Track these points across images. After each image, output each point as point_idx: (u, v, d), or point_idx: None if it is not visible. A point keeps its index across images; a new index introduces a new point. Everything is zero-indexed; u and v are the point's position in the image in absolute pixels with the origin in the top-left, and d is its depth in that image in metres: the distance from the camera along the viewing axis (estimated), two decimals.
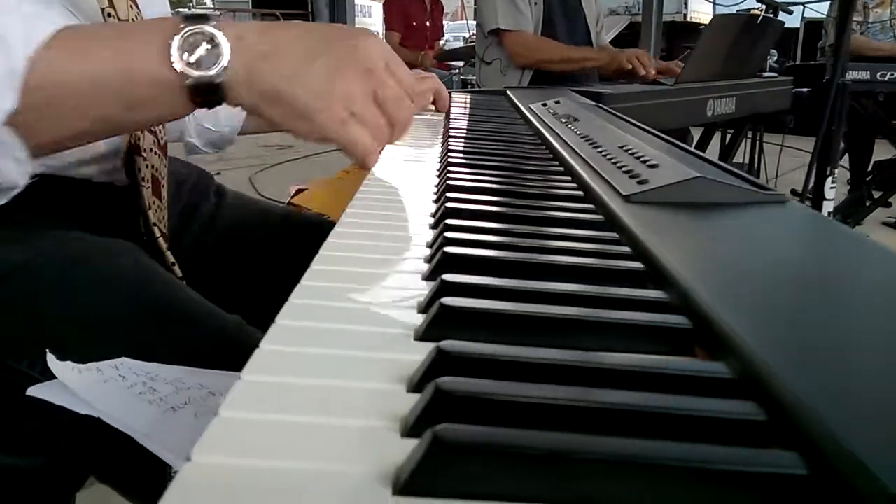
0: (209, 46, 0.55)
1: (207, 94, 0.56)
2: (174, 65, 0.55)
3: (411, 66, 3.96)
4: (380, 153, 0.63)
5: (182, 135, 1.02)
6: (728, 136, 2.88)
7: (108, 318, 0.62)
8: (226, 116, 1.02)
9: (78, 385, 0.47)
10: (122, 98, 0.56)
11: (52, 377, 0.49)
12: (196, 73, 0.55)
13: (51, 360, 0.50)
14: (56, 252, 0.66)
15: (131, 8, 0.76)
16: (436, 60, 4.97)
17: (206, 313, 0.66)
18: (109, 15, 0.72)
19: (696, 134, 2.82)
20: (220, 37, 0.56)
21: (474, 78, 2.95)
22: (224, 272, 0.88)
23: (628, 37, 6.66)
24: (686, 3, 7.88)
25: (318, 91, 0.57)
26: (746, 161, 2.79)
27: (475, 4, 2.81)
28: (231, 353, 0.61)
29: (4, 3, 0.53)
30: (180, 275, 0.78)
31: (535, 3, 2.54)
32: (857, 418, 0.23)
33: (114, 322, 0.62)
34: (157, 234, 0.77)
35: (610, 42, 2.94)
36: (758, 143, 2.73)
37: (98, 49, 0.56)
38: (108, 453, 0.58)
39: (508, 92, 1.43)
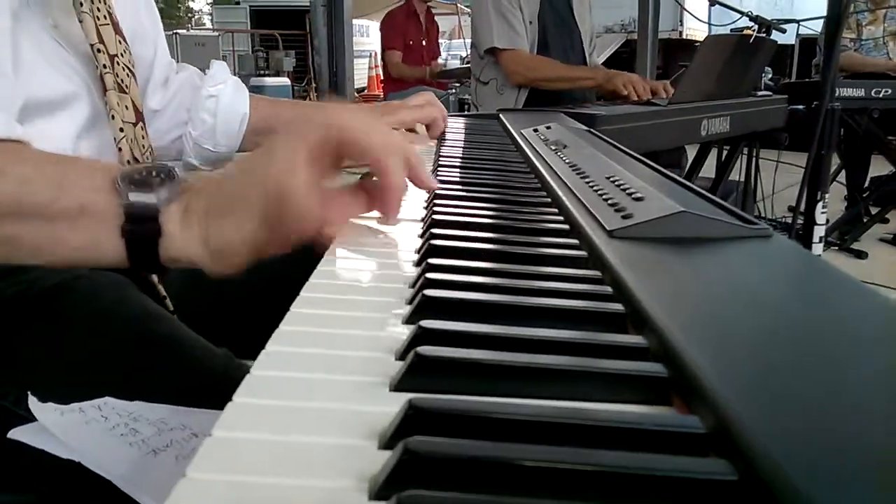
0: (157, 178, 0.52)
1: (143, 222, 0.51)
2: (115, 186, 0.51)
3: (413, 82, 3.96)
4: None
5: (180, 155, 1.03)
6: (724, 153, 2.88)
7: (94, 353, 0.62)
8: (223, 135, 1.02)
9: (59, 427, 0.47)
10: (43, 214, 0.51)
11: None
12: (135, 196, 0.51)
13: (32, 402, 0.49)
14: (43, 286, 0.66)
15: (119, 42, 0.76)
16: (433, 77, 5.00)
17: (195, 348, 0.65)
18: (99, 51, 0.72)
19: (692, 151, 2.82)
20: (174, 174, 0.53)
21: (470, 97, 2.96)
22: (213, 300, 0.88)
23: (624, 54, 6.69)
24: (682, 21, 7.92)
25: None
26: (742, 179, 2.79)
27: (471, 24, 2.82)
28: (220, 389, 0.60)
29: None
30: (171, 308, 0.78)
31: (531, 23, 2.56)
32: (832, 482, 0.23)
33: (100, 357, 0.62)
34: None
35: (606, 59, 2.95)
36: (753, 160, 2.73)
37: (35, 161, 0.53)
38: (94, 493, 0.57)
39: (502, 116, 1.44)
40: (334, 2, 3.74)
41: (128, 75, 0.78)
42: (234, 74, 1.06)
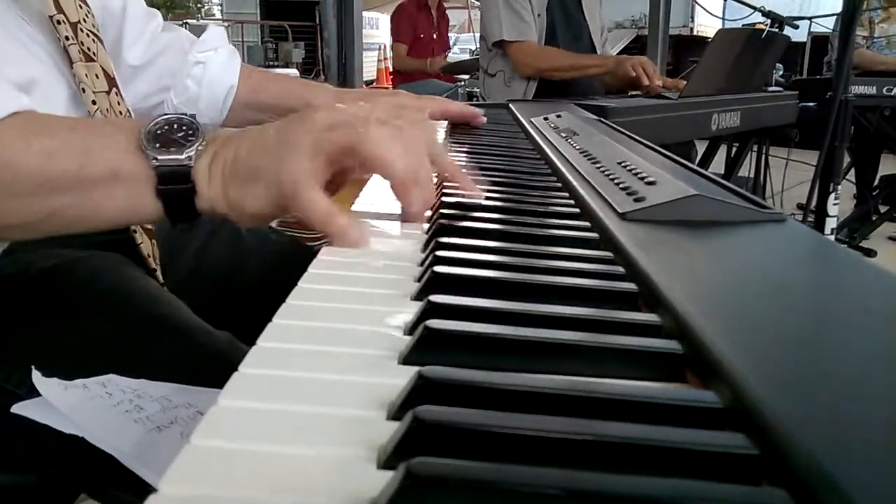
0: (181, 133, 0.51)
1: (176, 181, 0.51)
2: (141, 147, 0.51)
3: (420, 74, 3.94)
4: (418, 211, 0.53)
5: None
6: (733, 150, 2.86)
7: (93, 334, 0.61)
8: (207, 106, 0.97)
9: (63, 403, 0.46)
10: (75, 185, 0.51)
11: (38, 395, 0.48)
12: (164, 157, 0.50)
13: (36, 376, 0.49)
14: (42, 267, 0.65)
15: (80, 7, 0.72)
16: (442, 71, 4.98)
17: (194, 329, 0.65)
18: (59, 22, 0.68)
19: (702, 147, 2.81)
20: (196, 126, 0.52)
21: (479, 90, 2.95)
22: (216, 286, 0.87)
23: (634, 50, 6.67)
24: (692, 17, 7.89)
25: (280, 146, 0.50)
26: (752, 175, 2.77)
27: (480, 16, 2.81)
28: (221, 371, 0.60)
29: None
30: (161, 281, 0.77)
31: (539, 15, 2.54)
32: (850, 455, 0.22)
33: (99, 337, 0.61)
34: (139, 240, 0.76)
35: (617, 55, 2.93)
36: (763, 157, 2.71)
37: (56, 132, 0.52)
38: (97, 471, 0.57)
39: (511, 105, 1.43)
40: None
41: (93, 41, 0.74)
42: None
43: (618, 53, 3.10)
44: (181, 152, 0.50)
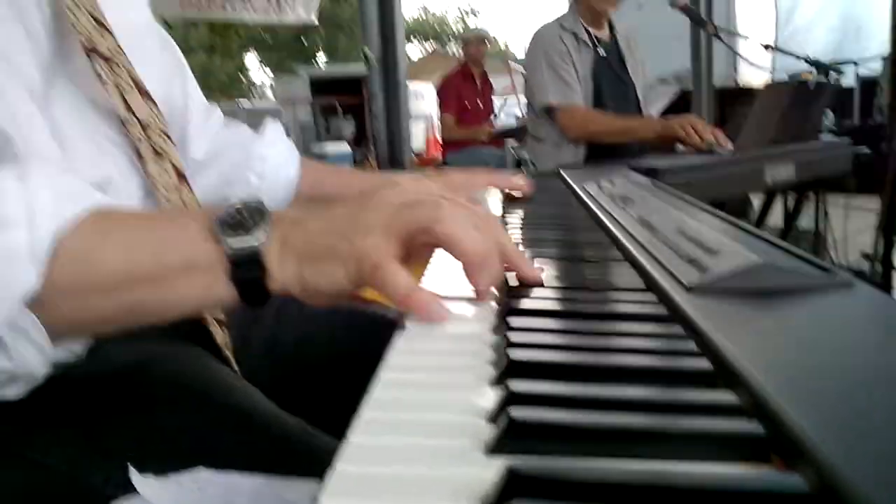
0: (250, 217, 0.54)
1: (248, 265, 0.53)
2: (213, 234, 0.53)
3: (469, 142, 4.01)
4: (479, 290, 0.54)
5: None
6: (789, 200, 2.83)
7: (172, 430, 0.63)
8: (269, 199, 0.97)
9: (159, 499, 0.48)
10: (153, 276, 0.52)
11: (128, 490, 0.50)
12: (236, 242, 0.52)
13: (132, 473, 0.51)
14: (122, 364, 0.68)
15: (151, 109, 0.75)
16: (490, 138, 5.07)
17: (267, 418, 0.66)
18: (130, 123, 0.71)
19: (756, 200, 2.78)
20: (264, 210, 0.54)
21: (528, 155, 2.99)
22: (288, 371, 0.89)
23: (680, 104, 6.66)
24: (736, 68, 7.87)
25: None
26: (812, 226, 2.73)
27: (525, 83, 2.87)
28: (296, 459, 0.61)
29: (37, 177, 0.51)
30: (236, 368, 0.79)
31: (584, 78, 2.58)
32: None
33: (176, 433, 0.63)
34: (214, 331, 0.78)
35: (663, 111, 2.95)
36: (821, 207, 2.67)
37: (132, 226, 0.54)
38: None
39: (562, 172, 1.45)
40: (389, 68, 3.83)
41: (164, 140, 0.77)
42: (297, 141, 1.05)
43: (664, 110, 3.11)
44: (252, 236, 0.52)
